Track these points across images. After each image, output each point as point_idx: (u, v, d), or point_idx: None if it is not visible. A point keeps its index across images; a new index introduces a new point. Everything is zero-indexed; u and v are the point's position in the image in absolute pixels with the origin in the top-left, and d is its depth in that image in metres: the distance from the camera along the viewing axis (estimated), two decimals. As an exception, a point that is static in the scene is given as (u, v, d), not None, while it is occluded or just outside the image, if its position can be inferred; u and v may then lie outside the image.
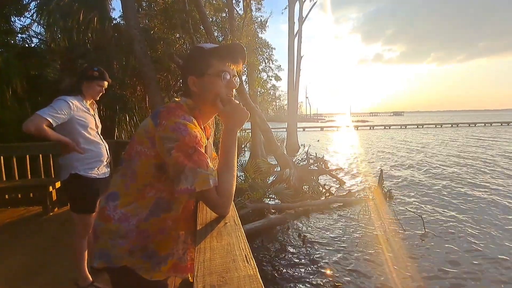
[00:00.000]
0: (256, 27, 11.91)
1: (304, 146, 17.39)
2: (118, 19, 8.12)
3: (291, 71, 16.63)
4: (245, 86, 10.92)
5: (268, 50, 18.16)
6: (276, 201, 6.66)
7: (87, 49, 6.54)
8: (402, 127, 37.90)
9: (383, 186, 7.35)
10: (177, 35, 8.47)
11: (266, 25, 13.43)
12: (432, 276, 3.73)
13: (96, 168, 1.90)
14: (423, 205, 6.50)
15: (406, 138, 23.18)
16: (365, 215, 5.87)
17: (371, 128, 38.07)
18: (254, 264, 0.58)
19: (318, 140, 22.35)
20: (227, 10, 8.94)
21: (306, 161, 8.69)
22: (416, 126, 38.03)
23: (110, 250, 0.81)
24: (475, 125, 37.89)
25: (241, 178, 7.53)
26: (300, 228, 5.36)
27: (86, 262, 1.93)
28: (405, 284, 3.54)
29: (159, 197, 0.84)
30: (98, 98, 2.02)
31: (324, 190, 7.39)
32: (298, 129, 20.01)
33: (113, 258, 0.81)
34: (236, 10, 10.20)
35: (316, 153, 9.98)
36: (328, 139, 23.55)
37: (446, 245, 4.55)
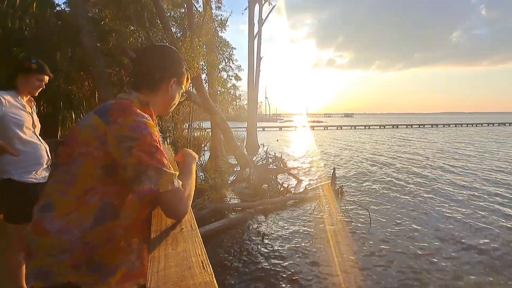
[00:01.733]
0: (216, 25, 11.74)
1: (263, 146, 17.68)
2: (62, 6, 7.34)
3: (251, 71, 16.78)
4: (205, 85, 10.72)
5: (228, 49, 18.04)
6: (237, 200, 6.67)
7: (24, 37, 5.79)
8: (352, 127, 40.83)
9: (336, 183, 7.82)
10: (132, 28, 7.96)
11: (227, 24, 13.33)
12: (373, 262, 4.08)
13: (34, 172, 1.69)
14: (370, 199, 7.05)
15: (356, 137, 24.98)
16: (320, 210, 6.19)
17: (325, 128, 40.27)
18: (210, 270, 0.57)
19: (277, 140, 22.92)
20: (185, 5, 8.66)
21: (265, 160, 8.85)
22: (364, 127, 41.27)
23: (51, 267, 0.71)
24: (411, 127, 42.46)
25: (201, 178, 7.38)
26: (259, 226, 5.44)
27: (24, 279, 1.71)
28: (354, 274, 3.81)
29: (105, 203, 0.75)
30: (36, 94, 1.80)
31: (282, 189, 7.61)
32: (258, 129, 20.28)
33: (55, 275, 0.71)
34: (195, 6, 9.94)
35: (275, 153, 10.21)
36: (287, 139, 24.31)
37: (388, 233, 5.00)
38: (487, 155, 14.13)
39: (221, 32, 12.21)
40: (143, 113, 0.79)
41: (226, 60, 16.95)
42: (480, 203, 6.61)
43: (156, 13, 7.01)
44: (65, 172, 0.76)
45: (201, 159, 11.19)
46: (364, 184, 8.53)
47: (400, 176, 9.60)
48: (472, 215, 5.89)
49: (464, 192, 7.52)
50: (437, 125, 43.73)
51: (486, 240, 4.74)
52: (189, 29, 7.93)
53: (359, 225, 5.43)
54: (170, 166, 0.76)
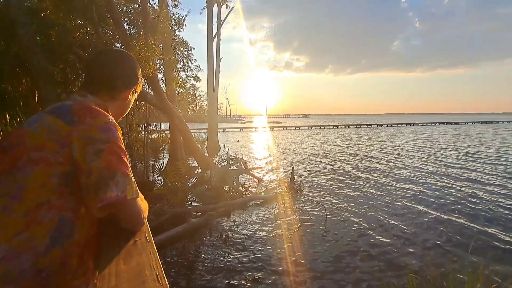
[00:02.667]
0: (173, 24, 11.33)
1: (224, 147, 17.58)
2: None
3: (211, 72, 16.55)
4: (162, 86, 10.28)
5: (186, 49, 17.57)
6: (198, 203, 6.52)
7: None
8: (309, 128, 42.78)
9: (295, 181, 8.10)
10: (79, 22, 7.27)
11: (184, 23, 12.96)
12: (330, 257, 4.32)
13: None
14: (326, 195, 7.44)
15: (313, 137, 26.18)
16: (280, 209, 6.36)
17: (284, 128, 41.48)
18: (165, 283, 0.55)
19: (238, 141, 22.95)
20: (139, 1, 8.20)
21: (226, 161, 8.80)
22: (320, 127, 43.51)
23: None
24: (360, 126, 45.95)
25: (160, 182, 7.06)
26: (222, 228, 5.38)
27: None
28: (314, 270, 3.99)
29: (62, 219, 0.62)
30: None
31: (244, 189, 7.63)
32: (218, 130, 20.06)
33: None
34: (150, 3, 9.47)
35: (236, 154, 10.22)
36: (248, 140, 24.47)
37: (342, 228, 5.34)
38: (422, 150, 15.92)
39: (178, 31, 11.82)
40: (104, 111, 0.75)
41: (184, 60, 16.49)
42: (425, 198, 7.40)
43: (105, 7, 6.51)
44: (7, 182, 0.62)
45: (159, 162, 10.71)
46: (320, 181, 8.97)
47: (351, 172, 10.30)
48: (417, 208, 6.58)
49: (404, 186, 8.37)
50: (382, 125, 48.09)
51: (431, 233, 5.32)
52: (144, 27, 7.52)
53: (316, 221, 5.69)
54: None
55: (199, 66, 19.39)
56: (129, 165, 0.72)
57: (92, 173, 0.64)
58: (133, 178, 0.71)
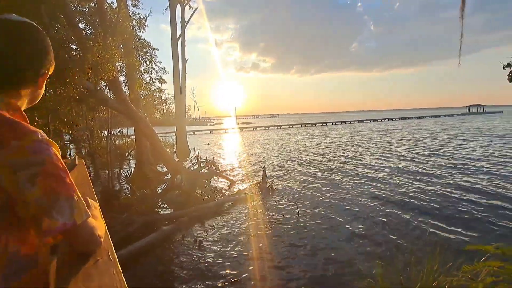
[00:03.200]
0: (134, 24, 10.82)
1: (194, 150, 17.18)
2: None
3: (177, 74, 16.09)
4: (125, 89, 9.76)
5: (149, 50, 16.89)
6: (169, 210, 6.29)
7: None
8: (278, 127, 43.53)
9: (267, 181, 8.18)
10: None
11: (146, 23, 12.44)
12: (304, 253, 4.43)
13: None
14: (298, 193, 7.62)
15: (282, 136, 26.68)
16: (254, 209, 6.37)
17: (254, 129, 41.74)
18: (132, 305, 0.51)
19: (208, 143, 22.60)
20: (95, 0, 7.70)
21: (197, 165, 8.61)
22: (288, 126, 44.49)
23: None
24: (326, 124, 47.87)
25: (127, 190, 6.69)
26: (196, 234, 5.24)
27: None
28: (289, 268, 4.05)
29: (11, 254, 0.54)
30: None
31: (216, 192, 7.52)
32: (187, 133, 19.57)
33: None
34: (107, 2, 8.94)
35: (207, 156, 10.06)
36: (218, 141, 24.20)
37: (315, 224, 5.50)
38: (381, 145, 17.02)
39: (140, 31, 11.31)
40: (29, 126, 0.60)
41: (148, 62, 15.86)
42: (384, 192, 7.88)
43: (56, 5, 6.00)
44: None
45: (125, 169, 10.16)
46: (292, 180, 9.16)
47: (319, 169, 10.67)
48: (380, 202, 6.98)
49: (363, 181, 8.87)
50: (345, 122, 50.58)
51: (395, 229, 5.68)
52: (101, 27, 7.08)
53: (289, 219, 5.79)
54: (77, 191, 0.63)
55: (164, 68, 18.74)
56: (72, 181, 0.61)
57: (29, 204, 0.54)
58: (80, 198, 0.61)
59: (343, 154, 13.98)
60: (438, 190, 7.24)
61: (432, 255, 2.80)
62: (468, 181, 7.92)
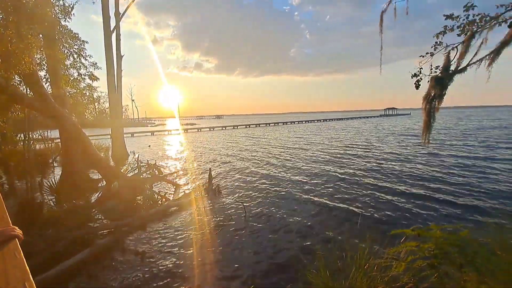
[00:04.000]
0: (57, 11, 9.43)
1: (134, 153, 15.94)
2: None
3: (111, 70, 14.65)
4: (46, 85, 8.46)
5: (77, 42, 15.03)
6: (106, 221, 5.67)
7: None
8: (223, 128, 43.39)
9: (213, 183, 8.07)
10: None
11: (72, 12, 10.98)
12: (253, 254, 4.53)
13: None
14: (245, 193, 7.71)
15: (227, 137, 26.66)
16: (199, 213, 6.21)
17: (199, 130, 40.74)
18: None
19: (150, 146, 21.18)
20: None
21: (137, 169, 7.99)
22: (233, 127, 44.73)
23: None
24: (269, 125, 49.71)
25: (52, 202, 5.79)
26: (138, 245, 4.84)
27: None
28: (239, 271, 4.07)
29: None
30: None
31: (160, 197, 7.10)
32: (125, 135, 18.01)
33: None
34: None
35: (148, 160, 9.42)
36: (160, 144, 22.84)
37: (262, 223, 5.66)
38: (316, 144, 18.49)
39: (65, 20, 9.95)
40: None
41: (75, 56, 14.11)
42: (322, 187, 8.55)
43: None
44: None
45: (50, 178, 8.79)
46: (238, 181, 9.22)
47: (264, 168, 11.02)
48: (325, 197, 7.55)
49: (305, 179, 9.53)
50: (286, 122, 53.36)
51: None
52: (14, 12, 5.99)
53: (237, 220, 5.83)
54: None
55: (96, 63, 16.88)
56: None
57: None
58: None
59: (287, 152, 14.70)
60: (366, 183, 8.21)
61: (364, 241, 3.17)
62: (388, 174, 9.18)
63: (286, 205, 6.60)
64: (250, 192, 7.80)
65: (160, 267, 4.10)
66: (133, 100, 75.13)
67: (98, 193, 7.02)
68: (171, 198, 7.30)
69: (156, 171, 9.00)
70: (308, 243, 4.70)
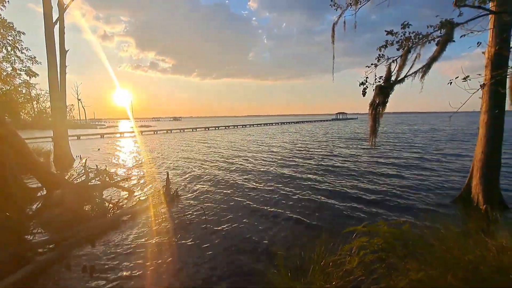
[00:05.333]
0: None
1: (80, 158, 14.51)
2: None
3: (53, 66, 13.13)
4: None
5: (12, 33, 13.25)
6: (47, 234, 5.01)
7: None
8: (181, 130, 41.94)
9: (171, 187, 7.71)
10: None
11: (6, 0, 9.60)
12: (212, 258, 4.43)
13: None
14: (204, 197, 7.52)
15: (185, 140, 25.79)
16: (157, 219, 5.88)
17: (155, 132, 38.74)
18: None
19: (99, 149, 19.44)
20: None
21: (84, 175, 7.25)
22: (192, 130, 43.53)
23: None
24: (228, 128, 49.57)
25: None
26: (85, 259, 4.37)
27: None
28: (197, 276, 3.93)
29: None
30: None
31: (111, 206, 6.53)
32: (70, 138, 16.27)
33: None
34: None
35: (97, 165, 8.62)
36: (112, 147, 21.11)
37: (223, 227, 5.57)
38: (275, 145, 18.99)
39: (-4, 8, 8.68)
40: None
41: (10, 48, 12.41)
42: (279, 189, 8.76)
43: None
44: None
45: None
46: (197, 185, 8.96)
47: (223, 171, 10.91)
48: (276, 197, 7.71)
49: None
50: (245, 125, 53.80)
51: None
52: None
53: (197, 225, 5.65)
54: None
55: (35, 57, 15.03)
56: None
57: None
58: None
59: (248, 155, 14.77)
60: (317, 182, 8.66)
61: (320, 240, 3.31)
62: (338, 173, 9.81)
63: (244, 208, 6.61)
64: (210, 195, 7.64)
65: (110, 280, 3.75)
66: (79, 100, 68.19)
67: (37, 203, 6.19)
68: (124, 206, 6.77)
69: (106, 177, 8.29)
70: (268, 243, 4.76)
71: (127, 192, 7.92)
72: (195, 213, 6.26)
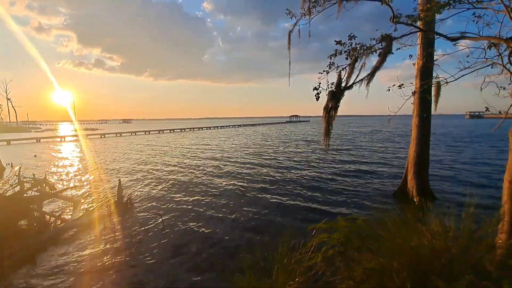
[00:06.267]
0: None
1: (12, 166, 12.64)
2: None
3: (-27, 61, 11.14)
4: None
5: None
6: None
7: None
8: (133, 133, 39.20)
9: (123, 195, 7.14)
10: None
11: None
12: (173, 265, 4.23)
13: None
14: (160, 203, 7.13)
15: (137, 144, 24.15)
16: (107, 231, 5.39)
17: (103, 136, 35.53)
18: None
19: (35, 156, 17.08)
20: None
21: (19, 186, 6.29)
22: (144, 133, 41.01)
23: None
24: (184, 130, 48.01)
25: None
26: (21, 282, 3.79)
27: None
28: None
29: None
30: None
31: (53, 219, 5.78)
32: (-4, 144, 13.99)
33: None
34: None
35: (34, 174, 7.57)
36: (51, 154, 18.70)
37: (181, 233, 5.35)
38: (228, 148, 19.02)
39: None
40: None
41: None
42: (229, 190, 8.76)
43: None
44: None
45: None
46: (152, 190, 8.47)
47: (177, 175, 10.52)
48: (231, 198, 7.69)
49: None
50: (202, 128, 52.80)
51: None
52: None
53: (154, 232, 5.34)
54: None
55: None
56: None
57: None
58: None
59: (200, 159, 14.45)
60: (277, 185, 8.91)
61: (282, 240, 3.40)
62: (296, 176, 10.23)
63: (201, 211, 6.47)
64: (167, 202, 7.28)
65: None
66: (8, 99, 58.88)
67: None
68: (68, 218, 6.06)
69: (46, 186, 7.32)
70: (230, 247, 4.72)
71: (72, 203, 7.10)
72: (150, 222, 5.89)
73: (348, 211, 6.24)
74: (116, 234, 5.29)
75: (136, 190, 8.41)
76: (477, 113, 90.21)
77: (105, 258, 4.41)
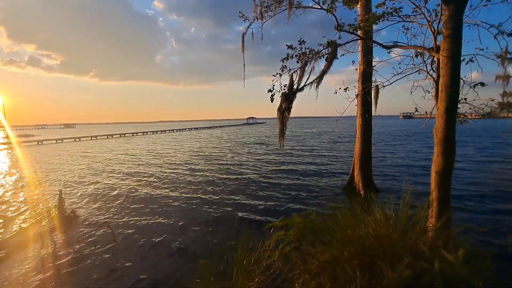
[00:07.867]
0: None
1: None
2: None
3: None
4: None
5: None
6: None
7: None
8: (76, 139, 35.30)
9: (66, 208, 6.35)
10: None
11: None
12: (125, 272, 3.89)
13: None
14: (110, 213, 6.52)
15: (81, 150, 21.81)
16: (45, 252, 4.71)
17: (40, 143, 31.29)
18: None
19: None
20: None
21: None
22: (90, 138, 37.30)
23: None
24: (137, 134, 44.99)
25: None
26: None
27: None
28: None
29: None
30: None
31: (-27, 241, 4.84)
32: None
33: None
34: None
35: None
36: (-31, 164, 15.75)
37: (134, 240, 4.95)
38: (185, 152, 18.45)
39: None
40: None
41: None
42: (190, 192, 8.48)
43: None
44: None
45: None
46: (99, 200, 7.71)
47: (124, 183, 9.80)
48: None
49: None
50: (157, 131, 50.10)
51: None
52: None
53: (104, 245, 4.84)
54: None
55: None
56: None
57: None
58: None
59: (149, 164, 13.68)
60: (234, 189, 8.87)
61: (240, 240, 3.36)
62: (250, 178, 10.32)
63: (152, 218, 6.12)
64: (114, 213, 6.66)
65: None
66: None
67: None
68: (-5, 239, 5.14)
69: (-37, 204, 6.12)
70: (187, 255, 4.51)
71: (3, 220, 6.05)
72: (97, 234, 5.32)
73: (304, 207, 6.48)
74: (57, 251, 4.65)
75: (80, 202, 7.55)
76: (409, 113, 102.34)
77: (40, 279, 3.83)
